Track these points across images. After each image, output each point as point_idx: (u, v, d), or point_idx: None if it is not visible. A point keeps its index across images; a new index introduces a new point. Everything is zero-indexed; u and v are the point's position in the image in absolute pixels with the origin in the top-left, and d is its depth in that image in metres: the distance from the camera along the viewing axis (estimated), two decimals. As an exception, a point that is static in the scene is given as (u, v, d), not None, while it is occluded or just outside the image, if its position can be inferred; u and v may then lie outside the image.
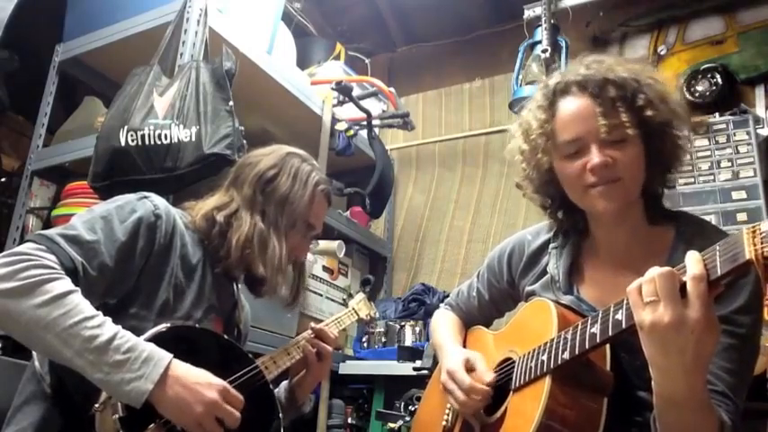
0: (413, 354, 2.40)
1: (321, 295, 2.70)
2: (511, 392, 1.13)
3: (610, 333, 0.94)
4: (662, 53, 2.90)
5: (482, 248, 3.13)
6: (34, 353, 1.19)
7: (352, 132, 2.84)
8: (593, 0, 2.86)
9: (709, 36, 2.80)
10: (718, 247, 0.80)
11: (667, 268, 0.84)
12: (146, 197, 1.28)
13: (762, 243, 0.74)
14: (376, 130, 3.01)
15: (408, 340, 2.65)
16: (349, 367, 2.58)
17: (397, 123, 3.02)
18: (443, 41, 3.66)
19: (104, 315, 1.07)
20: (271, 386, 1.35)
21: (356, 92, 2.89)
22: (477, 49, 3.56)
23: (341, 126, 2.81)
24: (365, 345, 2.76)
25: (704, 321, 0.80)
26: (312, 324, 1.54)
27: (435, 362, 1.53)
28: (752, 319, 1.05)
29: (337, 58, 3.38)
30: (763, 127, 2.55)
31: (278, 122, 2.81)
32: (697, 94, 2.67)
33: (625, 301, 0.91)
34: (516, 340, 1.22)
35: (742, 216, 2.37)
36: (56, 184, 2.45)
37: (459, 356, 1.27)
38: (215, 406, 1.08)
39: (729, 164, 2.46)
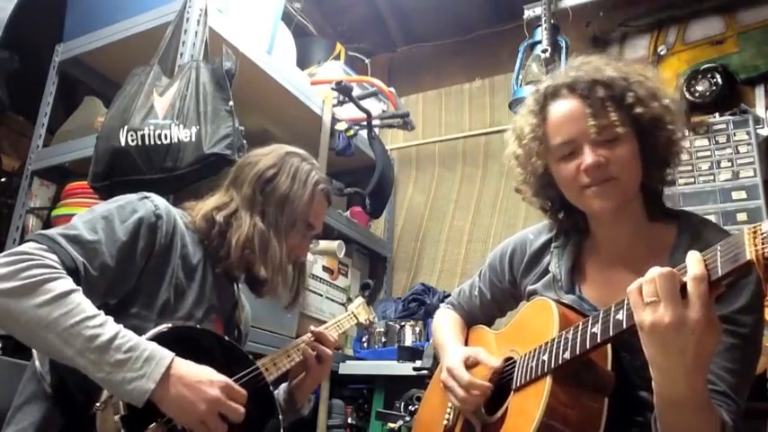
0: (413, 354, 2.39)
1: (321, 295, 2.70)
2: (512, 392, 1.13)
3: (610, 333, 0.94)
4: (662, 53, 2.90)
5: (482, 248, 3.13)
6: (34, 353, 1.19)
7: (352, 132, 2.84)
8: (593, 0, 2.86)
9: (709, 36, 2.80)
10: (719, 248, 0.80)
11: (668, 269, 0.84)
12: (146, 197, 1.28)
13: (762, 244, 0.74)
14: (376, 130, 3.01)
15: (408, 340, 2.65)
16: (349, 367, 2.58)
17: (397, 123, 3.02)
18: (443, 41, 3.66)
19: (105, 315, 1.07)
20: (271, 387, 1.35)
21: (356, 92, 2.89)
22: (477, 49, 3.56)
23: (341, 126, 2.81)
24: (365, 345, 2.76)
25: (705, 322, 0.80)
26: (312, 327, 1.54)
27: (435, 362, 1.53)
28: (754, 318, 1.05)
29: (337, 58, 3.38)
30: (763, 127, 2.55)
31: (278, 122, 2.81)
32: (697, 94, 2.67)
33: (626, 301, 0.91)
34: (517, 340, 1.22)
35: (742, 216, 2.38)
36: (56, 184, 2.45)
37: (459, 354, 1.27)
38: (218, 403, 1.08)
39: (729, 164, 2.46)
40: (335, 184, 2.75)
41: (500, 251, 1.44)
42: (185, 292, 1.29)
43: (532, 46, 2.88)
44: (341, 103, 2.91)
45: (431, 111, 3.59)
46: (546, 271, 1.29)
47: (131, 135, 1.87)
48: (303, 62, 3.08)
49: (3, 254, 1.06)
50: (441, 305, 1.62)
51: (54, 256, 1.07)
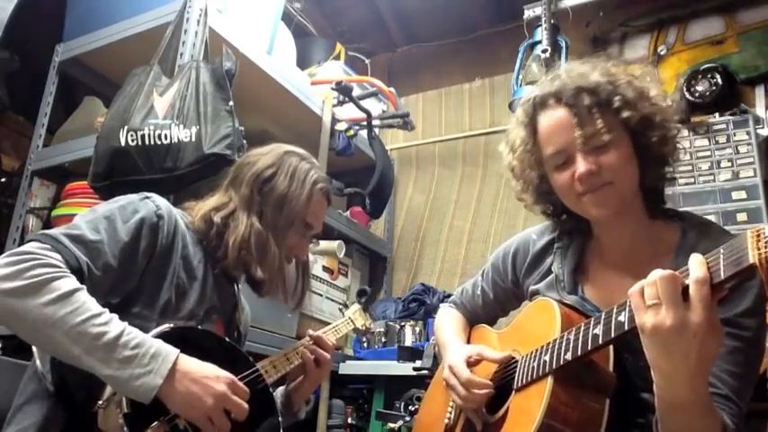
0: (413, 354, 2.39)
1: (321, 295, 2.70)
2: (513, 392, 1.13)
3: (612, 335, 0.94)
4: (662, 53, 2.90)
5: (482, 248, 3.14)
6: (35, 352, 1.19)
7: (352, 132, 2.84)
8: (593, 0, 2.86)
9: (710, 36, 2.81)
10: (721, 251, 0.80)
11: (669, 271, 0.84)
12: (148, 197, 1.28)
13: (766, 247, 0.73)
14: (376, 130, 3.01)
15: (408, 340, 2.65)
16: (349, 367, 2.58)
17: (397, 123, 3.02)
18: (443, 41, 3.66)
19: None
20: (271, 389, 1.36)
21: (356, 92, 2.89)
22: (477, 48, 3.56)
23: (341, 126, 2.81)
24: (365, 345, 2.76)
25: (707, 325, 0.80)
26: (310, 331, 1.54)
27: (436, 362, 1.53)
28: (756, 322, 1.05)
29: (337, 58, 3.38)
30: (763, 127, 2.56)
31: (278, 122, 2.81)
32: (697, 94, 2.67)
33: (628, 303, 0.91)
34: (519, 340, 1.22)
35: (742, 216, 2.38)
36: (56, 184, 2.45)
37: (461, 352, 1.28)
38: (224, 398, 1.09)
39: (729, 164, 2.47)
40: (335, 184, 2.75)
41: (503, 251, 1.44)
42: (187, 292, 1.29)
43: (532, 46, 2.88)
44: (341, 103, 2.91)
45: (431, 111, 3.59)
46: (549, 271, 1.29)
47: (131, 135, 1.87)
48: (303, 62, 3.08)
49: (6, 254, 1.06)
50: (442, 304, 1.63)
51: (58, 256, 1.08)
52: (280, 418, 1.32)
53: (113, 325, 1.05)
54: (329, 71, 3.13)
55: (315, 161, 1.52)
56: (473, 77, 3.51)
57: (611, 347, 1.04)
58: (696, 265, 0.81)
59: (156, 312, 1.22)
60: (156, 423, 1.07)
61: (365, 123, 2.88)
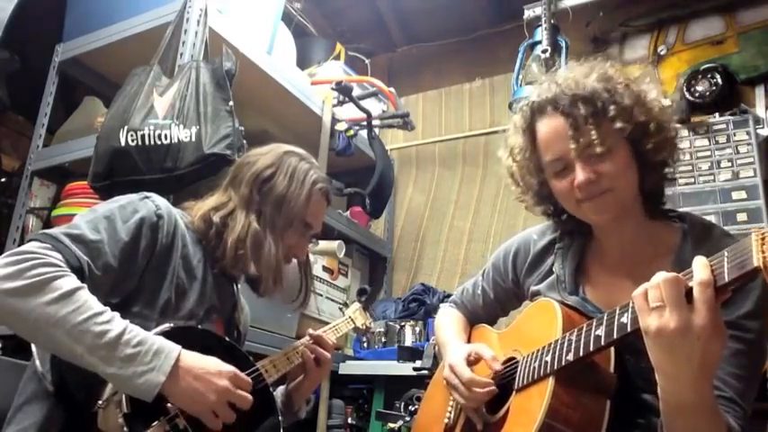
0: (413, 354, 2.39)
1: (321, 295, 2.70)
2: (514, 392, 1.13)
3: (615, 336, 0.94)
4: (662, 53, 2.90)
5: (482, 248, 3.14)
6: (34, 352, 1.19)
7: (352, 132, 2.84)
8: (593, 0, 2.86)
9: (710, 36, 2.81)
10: (726, 253, 0.80)
11: (673, 274, 0.83)
12: (147, 197, 1.28)
13: (770, 250, 0.73)
14: (376, 130, 3.00)
15: (408, 340, 2.65)
16: (349, 367, 2.58)
17: (397, 123, 3.02)
18: (443, 41, 3.66)
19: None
20: (271, 389, 1.36)
21: (356, 92, 2.89)
22: (477, 48, 3.56)
23: (341, 126, 2.81)
24: (365, 345, 2.76)
25: (710, 327, 0.80)
26: (310, 330, 1.54)
27: (435, 362, 1.53)
28: (760, 324, 1.04)
29: (337, 58, 3.38)
30: (763, 127, 2.56)
31: (278, 122, 2.80)
32: (697, 95, 2.67)
33: (631, 305, 0.91)
34: (520, 340, 1.22)
35: (742, 216, 2.37)
36: (56, 184, 2.45)
37: (461, 351, 1.28)
38: (227, 392, 1.11)
39: (729, 164, 2.47)
40: (335, 184, 2.75)
41: (504, 251, 1.44)
42: (187, 291, 1.29)
43: (532, 46, 2.88)
44: (341, 104, 2.91)
45: (431, 111, 3.59)
46: (550, 271, 1.29)
47: (131, 135, 1.86)
48: (303, 62, 3.08)
49: (6, 253, 1.06)
50: (442, 304, 1.63)
51: (59, 255, 1.08)
52: (280, 418, 1.32)
53: (115, 323, 1.05)
54: (329, 71, 3.13)
55: (314, 161, 1.52)
56: (473, 77, 3.51)
57: (612, 349, 1.03)
58: (700, 268, 0.81)
59: (156, 312, 1.22)
60: (156, 423, 1.07)
61: (365, 123, 2.88)
